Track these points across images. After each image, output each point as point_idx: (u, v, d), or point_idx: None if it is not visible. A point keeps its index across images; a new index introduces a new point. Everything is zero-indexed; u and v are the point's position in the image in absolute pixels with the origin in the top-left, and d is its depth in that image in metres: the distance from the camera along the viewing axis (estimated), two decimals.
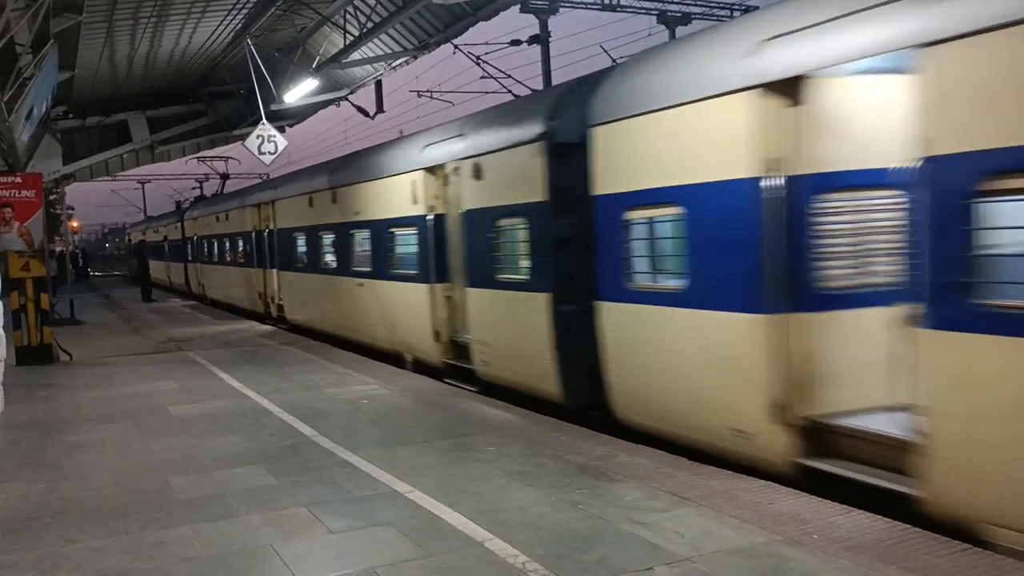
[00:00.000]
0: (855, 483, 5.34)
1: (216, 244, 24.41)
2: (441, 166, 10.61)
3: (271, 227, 18.61)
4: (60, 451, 7.48)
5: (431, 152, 10.80)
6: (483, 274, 9.56)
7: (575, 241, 7.97)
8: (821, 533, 4.71)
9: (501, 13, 16.29)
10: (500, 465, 6.37)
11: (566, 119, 8.12)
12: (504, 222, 9.11)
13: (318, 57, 18.53)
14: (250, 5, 17.16)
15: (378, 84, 21.54)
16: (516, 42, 21.37)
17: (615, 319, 7.42)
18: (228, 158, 32.83)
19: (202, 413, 8.89)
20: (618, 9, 22.61)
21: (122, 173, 30.69)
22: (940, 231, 4.60)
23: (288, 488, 6.03)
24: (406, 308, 11.67)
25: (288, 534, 5.08)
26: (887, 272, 5.71)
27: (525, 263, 8.76)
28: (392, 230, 11.99)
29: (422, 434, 7.53)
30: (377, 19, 16.14)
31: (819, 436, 5.75)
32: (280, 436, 7.67)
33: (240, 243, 21.49)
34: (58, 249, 30.53)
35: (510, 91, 17.48)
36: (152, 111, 26.43)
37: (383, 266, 12.38)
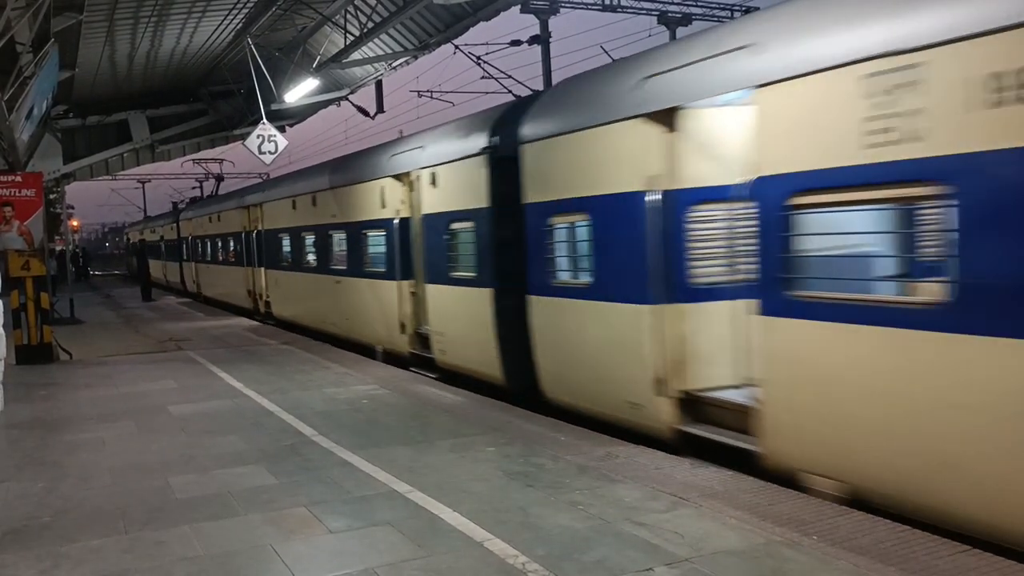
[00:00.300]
0: (717, 444, 6.40)
1: (209, 244, 25.73)
2: (407, 174, 11.71)
3: (259, 228, 19.67)
4: (60, 450, 7.48)
5: (397, 161, 11.95)
6: (439, 271, 10.76)
7: (512, 243, 8.94)
8: (821, 534, 4.71)
9: (502, 13, 16.29)
10: (500, 465, 6.38)
11: (504, 136, 9.15)
12: (455, 225, 10.27)
13: (319, 57, 18.54)
14: (251, 5, 17.17)
15: (378, 84, 21.54)
16: (517, 42, 21.38)
17: (541, 311, 8.59)
18: (223, 160, 34.25)
19: (202, 412, 8.89)
20: (618, 10, 22.60)
21: (122, 172, 30.72)
22: (766, 236, 5.77)
23: (288, 488, 6.03)
24: (377, 303, 12.88)
25: (288, 534, 5.08)
26: (744, 270, 6.61)
27: (472, 262, 9.86)
28: (364, 232, 13.16)
29: (421, 434, 7.53)
30: (378, 19, 16.14)
31: (694, 406, 6.88)
32: (280, 436, 7.68)
33: (231, 243, 22.64)
34: (58, 248, 30.54)
35: (510, 91, 17.51)
36: (152, 110, 26.43)
37: (357, 265, 13.56)
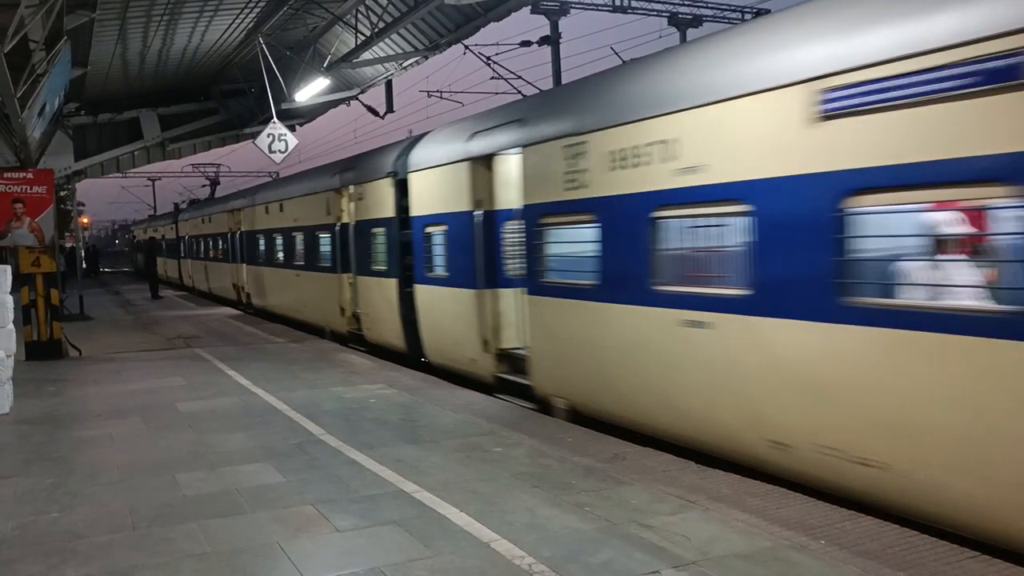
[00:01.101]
0: (516, 383, 9.43)
1: (202, 243, 28.96)
2: (346, 187, 14.60)
3: (241, 229, 22.89)
4: (69, 446, 7.51)
5: (338, 179, 15.05)
6: (365, 265, 13.76)
7: (409, 244, 12.00)
8: (828, 538, 4.69)
9: (512, 14, 16.29)
10: (507, 466, 6.38)
11: (402, 164, 12.18)
12: (374, 230, 13.24)
13: (329, 56, 18.58)
14: (262, 4, 17.21)
15: (388, 84, 21.55)
16: (527, 43, 21.37)
17: (422, 296, 11.64)
18: (219, 165, 38.63)
19: (210, 410, 8.92)
20: (629, 11, 22.57)
21: (133, 170, 30.82)
22: (529, 242, 8.88)
23: (295, 486, 6.05)
24: (325, 292, 15.80)
25: (295, 532, 5.09)
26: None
27: (384, 258, 12.90)
28: (316, 234, 16.18)
29: (428, 434, 7.54)
30: (389, 19, 16.16)
31: (507, 359, 9.89)
32: (287, 434, 7.69)
33: (220, 242, 25.97)
34: (68, 245, 30.68)
35: (520, 92, 17.51)
36: (163, 108, 26.50)
37: (311, 261, 16.55)
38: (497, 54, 19.05)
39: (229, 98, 26.44)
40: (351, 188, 14.22)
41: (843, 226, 5.23)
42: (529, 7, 19.62)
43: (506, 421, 7.94)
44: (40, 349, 13.25)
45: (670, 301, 6.78)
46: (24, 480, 6.47)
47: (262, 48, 18.12)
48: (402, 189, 12.07)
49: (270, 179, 36.77)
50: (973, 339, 4.52)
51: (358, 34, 16.79)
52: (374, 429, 7.81)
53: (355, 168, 14.19)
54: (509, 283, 9.86)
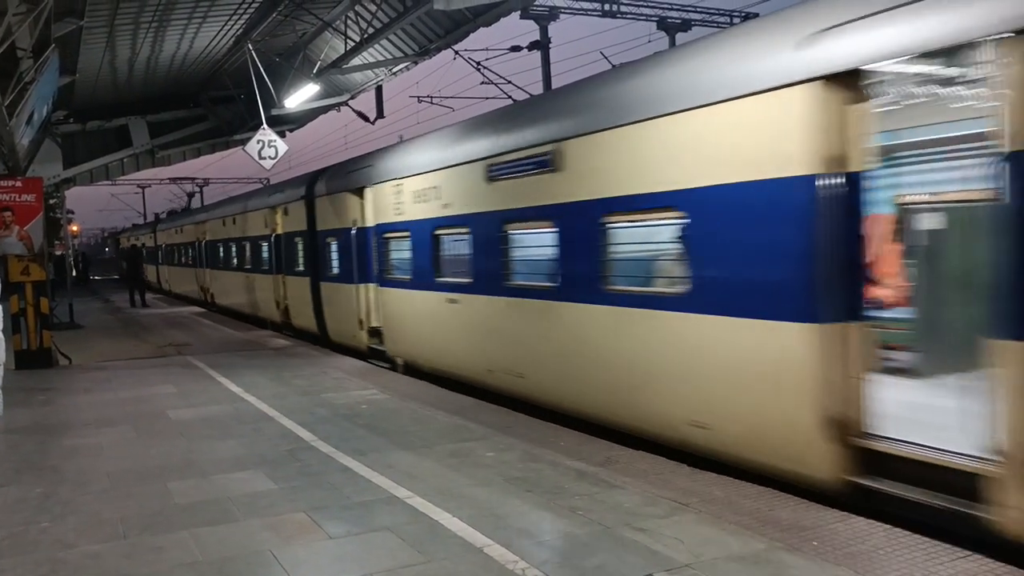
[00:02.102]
0: (379, 350, 12.92)
1: (175, 250, 32.95)
2: (280, 205, 17.97)
3: (205, 239, 26.38)
4: (59, 455, 7.47)
5: (272, 199, 18.69)
6: (291, 267, 17.22)
7: (318, 251, 15.33)
8: (821, 540, 4.70)
9: (502, 19, 16.31)
10: (499, 471, 6.37)
11: (309, 190, 15.84)
12: (295, 239, 16.82)
13: (319, 62, 18.55)
14: (251, 10, 17.19)
15: (378, 89, 21.55)
16: (516, 48, 21.37)
17: (324, 290, 15.25)
18: (195, 178, 45.21)
19: (201, 417, 8.88)
20: (618, 16, 22.62)
21: (122, 177, 30.70)
22: (378, 250, 12.63)
23: (287, 493, 6.03)
24: (264, 290, 19.20)
25: (287, 539, 5.07)
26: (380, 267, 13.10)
27: (302, 261, 16.46)
28: (259, 243, 19.46)
29: (420, 439, 7.52)
30: (378, 25, 16.15)
31: (375, 334, 13.19)
32: (279, 441, 7.67)
33: (189, 250, 29.57)
34: (57, 253, 30.54)
35: (510, 96, 17.51)
36: (153, 116, 26.42)
37: (256, 265, 19.89)
38: (487, 59, 19.05)
39: (218, 105, 26.37)
40: (280, 206, 17.86)
41: (508, 240, 9.20)
42: (519, 12, 19.62)
43: (499, 426, 7.93)
44: (30, 358, 13.17)
45: (442, 287, 10.65)
46: (14, 489, 6.43)
47: (251, 54, 18.08)
48: (310, 209, 15.70)
49: (261, 185, 37.27)
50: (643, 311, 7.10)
51: (348, 40, 16.78)
52: (366, 435, 7.79)
53: (283, 191, 18.08)
54: (390, 284, 12.73)
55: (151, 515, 5.64)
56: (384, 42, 18.10)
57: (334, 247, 14.49)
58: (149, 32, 17.40)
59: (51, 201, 25.32)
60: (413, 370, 11.75)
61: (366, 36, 16.07)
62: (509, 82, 17.53)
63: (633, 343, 7.13)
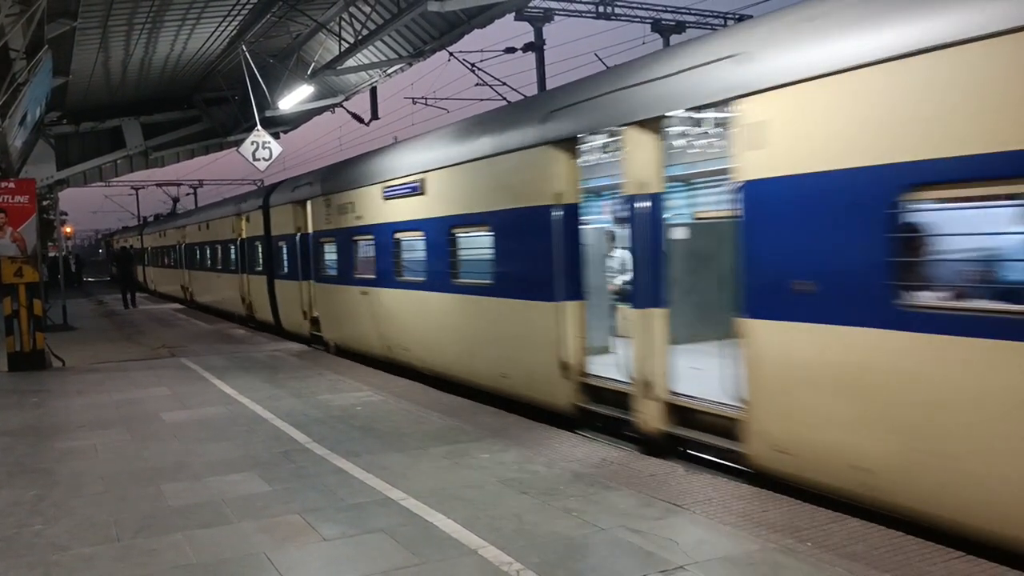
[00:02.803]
0: (319, 337, 15.44)
1: (160, 252, 35.84)
2: (244, 213, 20.29)
3: (184, 242, 28.66)
4: (52, 458, 7.45)
5: (239, 207, 20.97)
6: (252, 267, 19.76)
7: (273, 253, 17.83)
8: (815, 541, 4.71)
9: (496, 21, 16.33)
10: (494, 472, 6.37)
11: (267, 199, 18.16)
12: (256, 243, 19.12)
13: (313, 64, 18.55)
14: (245, 12, 17.17)
15: (373, 91, 21.54)
16: (511, 49, 21.36)
17: (277, 287, 17.68)
18: (183, 182, 49.23)
19: (195, 419, 8.86)
20: (612, 18, 22.65)
21: (116, 179, 30.63)
22: (314, 252, 15.32)
23: (281, 495, 6.01)
24: (232, 288, 21.75)
25: (281, 541, 5.06)
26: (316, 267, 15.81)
27: (261, 262, 18.79)
28: (228, 245, 22.00)
29: (415, 441, 7.52)
30: (372, 26, 16.15)
31: (316, 323, 15.70)
32: (273, 443, 7.65)
33: (172, 252, 32.12)
34: (50, 254, 30.45)
35: (504, 98, 17.51)
36: (146, 117, 26.38)
37: (225, 265, 22.50)
38: (482, 61, 19.07)
39: (212, 106, 26.35)
40: (244, 214, 20.31)
41: (399, 246, 11.72)
42: (513, 14, 19.63)
43: (494, 428, 7.93)
44: (23, 360, 13.11)
45: (357, 282, 13.05)
46: (7, 492, 6.40)
47: (245, 56, 18.08)
48: (267, 216, 18.08)
49: (256, 187, 37.72)
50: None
51: (342, 41, 16.78)
52: (361, 436, 7.78)
53: (247, 200, 20.72)
54: (319, 277, 15.23)
55: (145, 517, 5.62)
56: (378, 43, 18.10)
57: (284, 250, 17.05)
58: (143, 33, 17.37)
59: (44, 202, 25.24)
60: (343, 351, 14.20)
61: (360, 38, 16.07)
62: (504, 83, 17.54)
63: (470, 321, 9.88)
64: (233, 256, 21.45)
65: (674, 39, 23.04)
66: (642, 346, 7.11)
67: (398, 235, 11.67)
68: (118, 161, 26.79)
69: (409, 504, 5.66)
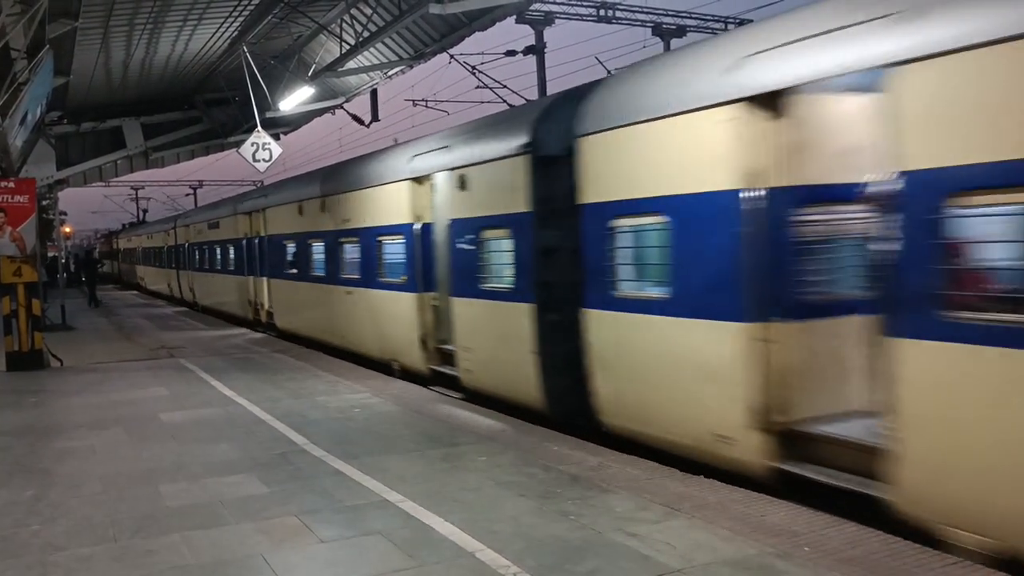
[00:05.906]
0: (273, 325, 17.99)
1: (152, 253, 37.92)
2: (237, 214, 20.71)
3: (172, 243, 30.36)
4: (50, 458, 7.44)
5: (224, 209, 22.32)
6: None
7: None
8: (813, 545, 4.71)
9: (497, 23, 16.35)
10: (491, 475, 6.36)
11: (257, 203, 18.77)
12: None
13: (314, 65, 18.57)
14: (247, 13, 17.18)
15: (373, 93, 21.56)
16: (511, 52, 21.39)
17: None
18: (181, 182, 52.57)
19: (193, 420, 8.85)
20: (613, 21, 22.69)
21: (116, 179, 30.65)
22: (271, 252, 17.68)
23: (279, 497, 6.01)
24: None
25: (278, 543, 5.06)
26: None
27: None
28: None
29: (413, 443, 7.52)
30: (373, 28, 16.16)
31: (270, 316, 18.23)
32: (271, 444, 7.65)
33: (162, 253, 34.01)
34: (50, 254, 30.49)
35: (505, 101, 17.52)
36: (147, 117, 26.39)
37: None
38: (482, 63, 19.06)
39: (213, 107, 26.35)
40: (241, 214, 21.07)
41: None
42: (514, 17, 19.65)
43: (491, 431, 7.93)
44: (21, 360, 13.10)
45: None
46: (4, 492, 6.40)
47: (246, 57, 18.09)
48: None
49: (254, 187, 39.19)
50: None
51: (343, 43, 16.79)
52: (358, 438, 7.78)
53: (221, 207, 22.87)
54: (286, 276, 16.92)
55: (142, 518, 5.62)
56: (379, 45, 18.12)
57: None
58: (144, 33, 17.38)
59: (44, 202, 25.22)
60: (290, 336, 16.56)
61: (361, 39, 16.09)
62: (505, 86, 17.55)
63: (378, 312, 12.17)
64: (219, 256, 23.79)
65: (675, 43, 23.07)
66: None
67: (310, 241, 14.95)
68: (118, 161, 26.80)
69: (406, 506, 5.66)
